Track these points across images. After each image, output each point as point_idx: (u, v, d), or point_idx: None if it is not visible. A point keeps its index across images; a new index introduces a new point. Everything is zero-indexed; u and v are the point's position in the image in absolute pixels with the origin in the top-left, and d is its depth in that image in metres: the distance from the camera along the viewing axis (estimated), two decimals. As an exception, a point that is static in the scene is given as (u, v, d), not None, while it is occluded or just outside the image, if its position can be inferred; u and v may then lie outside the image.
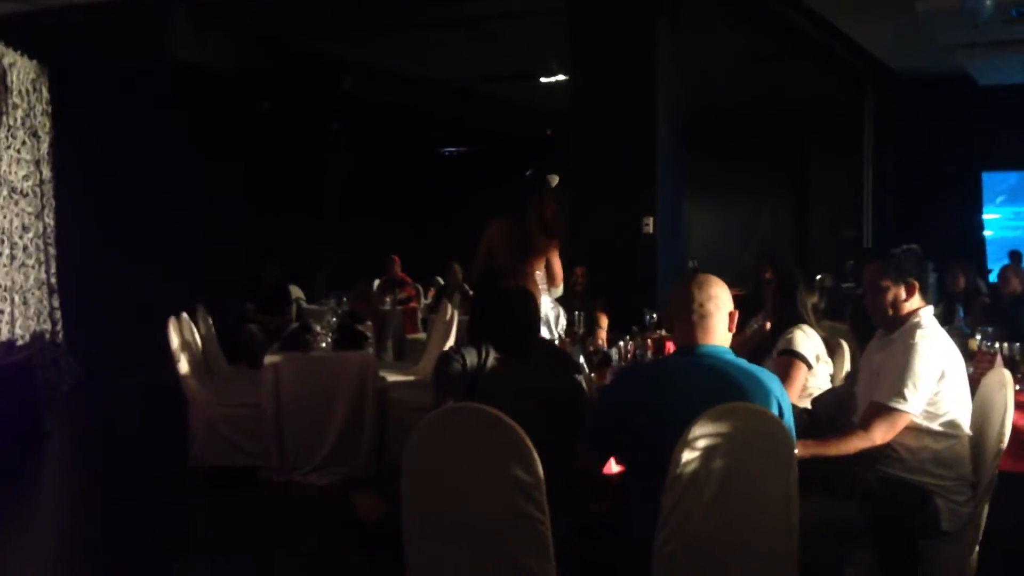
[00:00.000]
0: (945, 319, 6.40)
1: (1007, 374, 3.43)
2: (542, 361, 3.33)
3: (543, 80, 11.38)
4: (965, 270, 8.11)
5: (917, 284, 3.39)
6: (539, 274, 5.77)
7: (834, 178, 14.21)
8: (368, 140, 13.51)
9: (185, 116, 9.52)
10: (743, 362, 2.91)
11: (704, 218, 15.32)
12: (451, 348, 3.45)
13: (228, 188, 10.02)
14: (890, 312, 3.42)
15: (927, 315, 3.40)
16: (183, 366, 5.88)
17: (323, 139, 12.52)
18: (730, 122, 14.60)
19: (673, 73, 8.07)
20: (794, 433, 2.81)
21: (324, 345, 5.90)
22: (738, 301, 8.85)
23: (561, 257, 5.93)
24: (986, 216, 14.99)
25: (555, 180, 6.09)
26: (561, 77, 9.45)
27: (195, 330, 6.42)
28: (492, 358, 3.06)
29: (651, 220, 7.85)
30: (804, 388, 4.26)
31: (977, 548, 3.34)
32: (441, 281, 11.47)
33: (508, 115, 14.89)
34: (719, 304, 2.89)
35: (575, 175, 8.24)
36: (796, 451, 2.81)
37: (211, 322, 7.00)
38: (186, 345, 6.05)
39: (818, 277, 10.53)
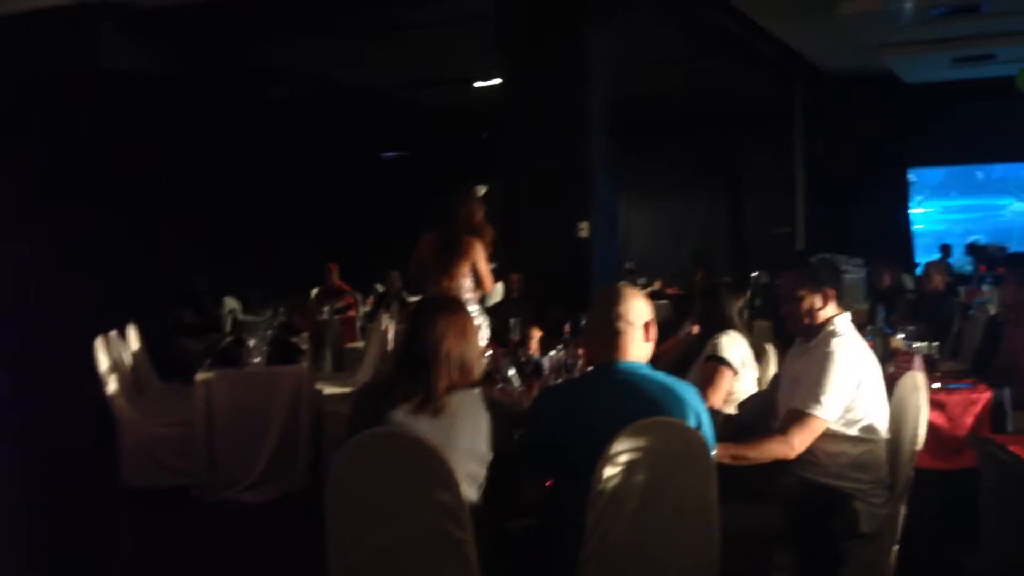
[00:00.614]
0: (872, 318, 6.58)
1: (920, 376, 3.52)
2: (460, 419, 2.79)
3: (477, 85, 11.40)
4: (890, 268, 8.29)
5: (833, 292, 3.47)
6: (467, 282, 5.77)
7: (767, 175, 14.44)
8: (303, 147, 13.41)
9: (113, 125, 9.35)
10: (660, 375, 2.95)
11: (640, 218, 15.46)
12: (371, 383, 3.35)
13: (160, 198, 9.87)
14: (806, 320, 3.50)
15: (843, 322, 3.49)
16: (111, 386, 5.79)
17: (257, 147, 12.40)
18: (664, 121, 14.74)
19: (604, 75, 8.13)
20: (713, 442, 2.87)
21: (257, 360, 5.85)
22: (674, 301, 9.02)
23: (493, 262, 5.95)
24: (916, 211, 15.37)
25: (482, 190, 6.14)
26: (496, 81, 9.48)
27: (126, 347, 6.32)
28: (402, 413, 2.73)
29: (586, 224, 7.90)
30: (730, 393, 4.34)
31: (896, 547, 3.42)
32: (380, 288, 11.43)
33: (446, 119, 14.90)
34: (634, 318, 2.91)
35: (509, 180, 8.27)
36: (715, 452, 2.88)
37: (142, 338, 6.89)
38: (115, 364, 5.96)
39: (754, 274, 10.69)
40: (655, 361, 5.44)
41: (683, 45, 10.43)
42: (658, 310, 10.04)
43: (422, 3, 8.62)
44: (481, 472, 2.76)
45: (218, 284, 9.06)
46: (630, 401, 2.79)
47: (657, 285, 11.99)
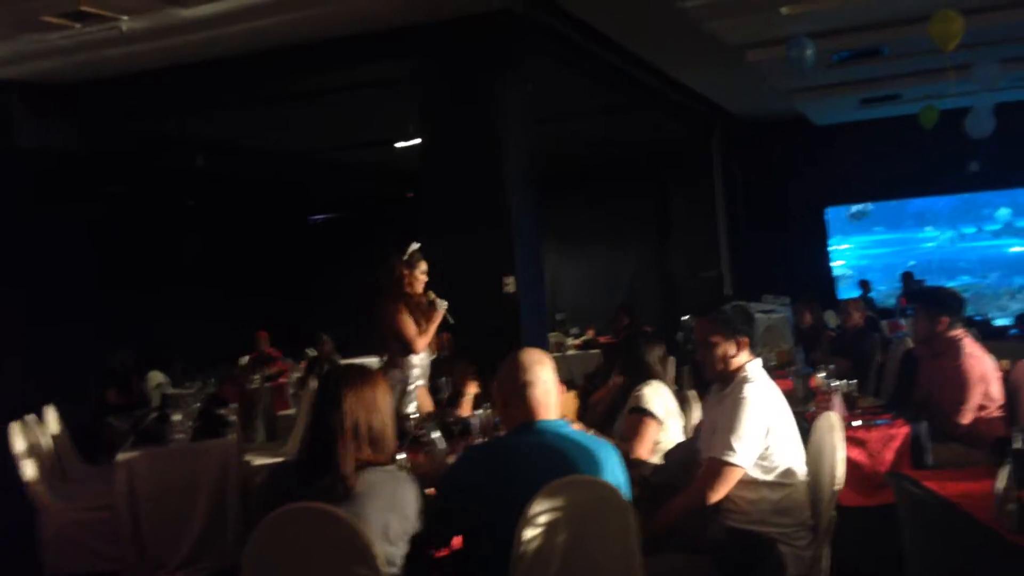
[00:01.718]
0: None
1: (835, 417, 3.60)
2: (372, 499, 2.66)
3: (399, 145, 11.45)
4: (810, 307, 8.46)
5: (743, 339, 3.52)
6: (398, 345, 5.78)
7: (692, 219, 14.67)
8: (228, 215, 13.31)
9: (29, 202, 9.18)
10: (580, 435, 2.97)
11: (570, 268, 15.58)
12: (277, 467, 3.23)
13: (82, 275, 9.68)
14: (720, 366, 3.55)
15: (755, 368, 3.54)
16: (29, 472, 5.60)
17: (179, 217, 12.27)
18: (589, 169, 14.96)
19: (522, 130, 8.22)
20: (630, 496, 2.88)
21: (181, 435, 5.73)
22: (605, 350, 9.03)
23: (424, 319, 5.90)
24: (836, 248, 15.76)
25: (414, 246, 6.16)
26: (416, 141, 9.55)
27: (44, 430, 6.14)
28: (309, 498, 2.60)
29: (512, 279, 7.91)
30: (656, 443, 4.37)
31: (824, 588, 3.46)
32: (312, 353, 11.31)
33: (372, 180, 14.93)
34: (549, 378, 2.95)
35: (432, 238, 8.28)
36: (649, 527, 2.90)
37: (63, 420, 6.70)
38: (32, 448, 5.77)
39: (684, 318, 10.80)
40: (586, 412, 5.49)
41: (599, 97, 10.63)
42: (590, 360, 10.08)
43: (339, 68, 8.66)
44: (398, 553, 2.67)
45: (143, 359, 8.87)
46: (552, 460, 2.79)
47: (589, 334, 12.05)
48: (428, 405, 5.71)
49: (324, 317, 12.84)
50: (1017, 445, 2.67)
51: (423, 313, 5.90)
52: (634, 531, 2.76)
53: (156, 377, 9.43)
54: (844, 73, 10.37)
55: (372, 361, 9.86)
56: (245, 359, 10.59)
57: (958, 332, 4.93)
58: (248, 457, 6.15)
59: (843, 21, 8.26)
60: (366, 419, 2.72)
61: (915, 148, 11.60)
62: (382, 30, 7.85)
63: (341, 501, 2.60)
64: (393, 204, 14.83)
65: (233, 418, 6.56)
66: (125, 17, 6.74)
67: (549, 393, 2.92)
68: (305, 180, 14.13)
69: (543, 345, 8.60)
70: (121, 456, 5.53)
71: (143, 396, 8.57)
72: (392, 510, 2.67)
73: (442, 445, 3.99)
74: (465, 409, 5.23)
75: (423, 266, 6.10)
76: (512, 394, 2.93)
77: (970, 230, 17.86)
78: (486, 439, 4.21)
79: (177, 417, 5.85)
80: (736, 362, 3.53)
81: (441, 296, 7.45)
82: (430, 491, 3.37)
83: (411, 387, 5.71)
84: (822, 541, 3.43)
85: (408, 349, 5.77)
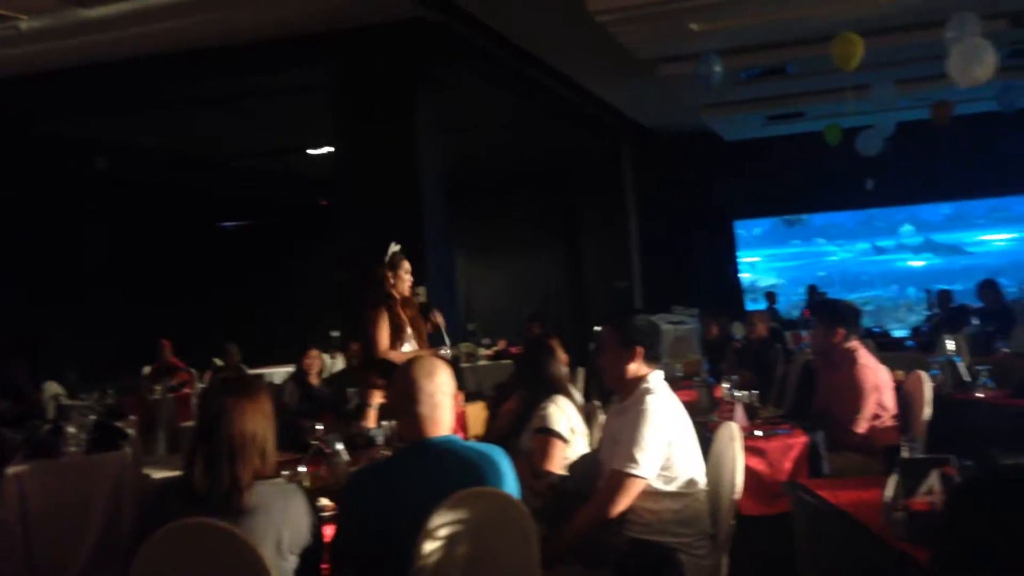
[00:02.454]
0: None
1: (735, 427, 3.65)
2: (262, 514, 2.60)
3: (310, 152, 11.34)
4: (716, 319, 8.61)
5: (642, 350, 3.53)
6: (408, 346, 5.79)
7: (605, 230, 14.84)
8: (132, 220, 12.96)
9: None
10: (473, 445, 2.95)
11: (482, 278, 15.60)
12: (164, 483, 3.12)
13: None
14: (621, 377, 3.57)
15: (656, 379, 3.56)
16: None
17: (79, 222, 11.90)
18: (503, 180, 15.02)
19: (435, 141, 8.21)
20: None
21: (75, 448, 5.52)
22: (517, 361, 8.90)
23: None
24: (745, 260, 16.11)
25: (393, 247, 6.20)
26: (328, 149, 9.46)
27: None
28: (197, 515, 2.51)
29: (423, 289, 7.87)
30: (565, 459, 4.36)
31: (721, 596, 3.50)
32: (219, 363, 11.07)
33: (284, 186, 14.71)
34: (446, 391, 2.88)
35: (344, 247, 8.21)
36: (553, 541, 2.88)
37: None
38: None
39: (597, 328, 10.89)
40: (494, 423, 5.45)
41: (514, 107, 10.68)
42: (503, 370, 10.02)
43: (250, 73, 8.53)
44: (290, 567, 2.62)
45: (39, 369, 8.56)
46: (446, 475, 2.75)
47: (501, 345, 12.05)
48: None
49: (233, 326, 12.60)
50: (905, 454, 2.74)
51: (412, 312, 5.93)
52: (534, 542, 2.75)
53: (52, 388, 9.11)
54: (751, 90, 10.62)
55: (280, 372, 9.72)
56: (147, 369, 10.30)
57: (854, 343, 5.05)
58: (148, 470, 5.96)
59: (750, 39, 8.46)
60: (252, 431, 2.64)
61: (821, 165, 11.94)
62: (295, 35, 7.77)
63: (232, 516, 2.53)
64: (306, 212, 14.66)
65: (131, 430, 6.35)
66: (24, 16, 6.53)
67: (440, 407, 2.85)
68: (214, 185, 13.85)
69: (454, 357, 8.57)
70: (11, 469, 5.30)
71: (38, 407, 8.26)
72: (284, 524, 2.61)
73: (345, 457, 3.93)
74: (370, 420, 5.16)
75: (406, 265, 6.08)
76: (403, 409, 2.87)
77: (874, 244, 18.44)
78: (389, 452, 4.16)
79: (71, 429, 5.64)
80: (638, 373, 3.55)
81: (352, 306, 7.38)
82: (329, 503, 3.33)
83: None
84: (721, 550, 3.47)
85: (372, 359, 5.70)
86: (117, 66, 8.16)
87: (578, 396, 4.78)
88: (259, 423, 2.66)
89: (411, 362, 2.95)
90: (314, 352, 8.37)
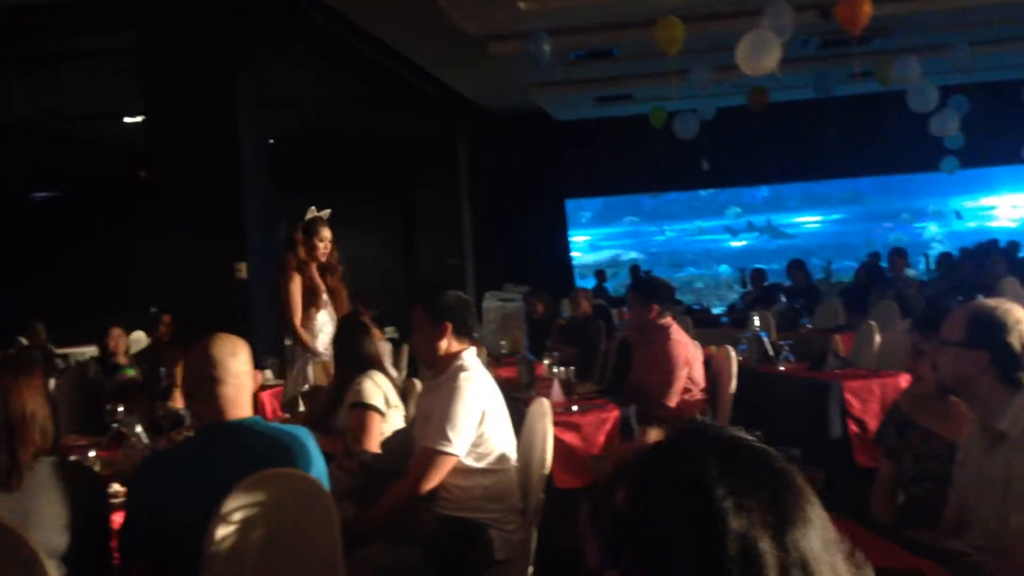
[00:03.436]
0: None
1: (546, 403, 3.69)
2: (43, 489, 2.52)
3: (127, 120, 10.76)
4: (541, 298, 8.72)
5: (451, 326, 3.51)
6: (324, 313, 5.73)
7: (438, 208, 14.78)
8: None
9: None
10: (276, 426, 2.86)
11: (315, 255, 15.28)
12: None
13: None
14: (433, 353, 3.54)
15: (470, 356, 3.55)
16: None
17: None
18: (336, 156, 14.74)
19: (257, 113, 7.94)
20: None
21: None
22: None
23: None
24: (574, 239, 16.43)
25: (313, 212, 6.05)
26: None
27: None
28: None
29: (243, 265, 7.64)
30: (381, 434, 4.31)
31: (531, 569, 3.54)
32: (25, 342, 10.42)
33: (101, 156, 13.93)
34: (247, 370, 2.77)
35: (161, 220, 7.87)
36: (361, 525, 2.83)
37: None
38: None
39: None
40: (311, 402, 5.34)
41: (343, 83, 10.45)
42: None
43: (54, 34, 7.99)
44: (66, 544, 2.49)
45: None
46: (247, 458, 2.64)
47: (331, 322, 11.84)
48: (323, 379, 5.51)
49: (41, 303, 11.88)
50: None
51: (333, 280, 5.88)
52: (336, 522, 2.69)
53: None
54: (580, 71, 10.78)
55: (91, 351, 9.22)
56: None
57: (667, 320, 5.21)
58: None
59: (578, 20, 8.56)
60: (31, 409, 2.52)
61: (648, 146, 12.25)
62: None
63: (12, 495, 2.43)
64: (124, 184, 13.94)
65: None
66: None
67: (241, 388, 2.73)
68: (24, 154, 12.96)
69: (278, 335, 8.36)
70: None
71: None
72: (65, 503, 2.50)
73: (145, 441, 3.74)
74: (179, 400, 4.95)
75: (324, 233, 5.92)
76: (199, 390, 2.73)
77: (699, 225, 19.19)
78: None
79: None
80: (450, 349, 3.53)
81: (168, 280, 7.07)
82: (122, 489, 3.16)
83: (309, 365, 5.61)
84: (531, 524, 3.50)
85: (288, 324, 5.65)
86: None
87: (393, 372, 4.74)
88: (37, 400, 2.56)
89: (211, 340, 2.79)
90: (116, 331, 7.98)
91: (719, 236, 19.16)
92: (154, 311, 9.88)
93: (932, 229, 18.03)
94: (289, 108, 10.78)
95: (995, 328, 2.44)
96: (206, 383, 2.70)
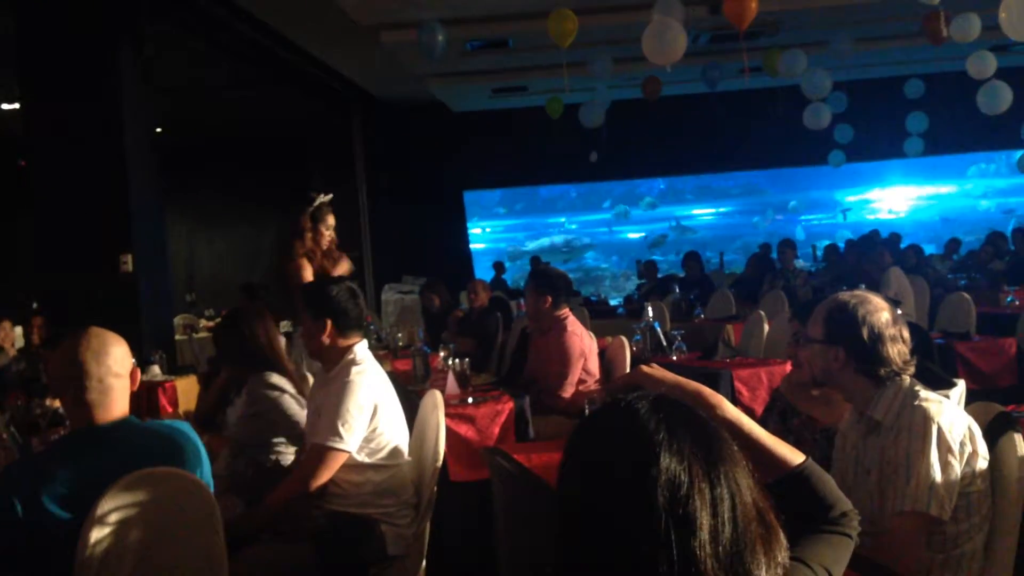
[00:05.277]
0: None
1: (438, 395, 3.65)
2: None
3: (5, 107, 10.29)
4: (438, 289, 8.66)
5: (330, 322, 3.44)
6: None
7: (335, 200, 14.56)
8: None
9: None
10: (153, 425, 2.76)
11: (206, 246, 14.94)
12: None
13: None
14: (319, 348, 3.47)
15: (362, 350, 3.49)
16: None
17: None
18: (229, 144, 14.40)
19: (142, 100, 7.68)
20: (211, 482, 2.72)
21: None
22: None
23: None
24: (473, 231, 16.42)
25: (321, 198, 5.88)
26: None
27: None
28: None
29: (129, 257, 7.39)
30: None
31: (424, 564, 3.51)
32: None
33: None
34: (119, 371, 2.60)
35: (42, 211, 7.57)
36: (248, 523, 2.75)
37: None
38: None
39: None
40: (204, 398, 5.17)
41: (234, 69, 10.20)
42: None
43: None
44: None
45: None
46: (120, 461, 2.51)
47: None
48: None
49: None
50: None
51: (332, 265, 5.70)
52: (219, 521, 2.61)
53: None
54: (476, 62, 10.75)
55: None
56: None
57: (564, 311, 5.22)
58: None
59: (472, 10, 8.52)
60: None
61: (544, 138, 12.31)
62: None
63: None
64: (4, 173, 13.34)
65: None
66: None
67: (108, 391, 2.56)
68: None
69: (167, 329, 8.14)
70: None
71: None
72: None
73: (16, 441, 3.57)
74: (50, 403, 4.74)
75: (330, 220, 5.80)
76: (63, 393, 2.59)
77: (599, 216, 19.37)
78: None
79: None
80: (338, 344, 3.46)
81: (51, 274, 6.78)
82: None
83: None
84: (423, 518, 3.47)
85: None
86: None
87: (291, 365, 4.62)
88: None
89: (76, 340, 2.60)
90: (7, 324, 7.69)
91: (619, 227, 19.38)
92: (36, 306, 9.52)
93: (822, 221, 18.60)
94: (176, 95, 10.47)
95: (847, 323, 2.50)
96: (69, 386, 2.56)
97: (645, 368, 1.93)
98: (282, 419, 3.90)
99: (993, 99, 8.46)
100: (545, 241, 18.95)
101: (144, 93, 7.70)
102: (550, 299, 5.18)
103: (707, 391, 1.82)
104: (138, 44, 7.55)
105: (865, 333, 2.46)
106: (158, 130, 10.52)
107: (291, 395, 3.97)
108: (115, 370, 2.58)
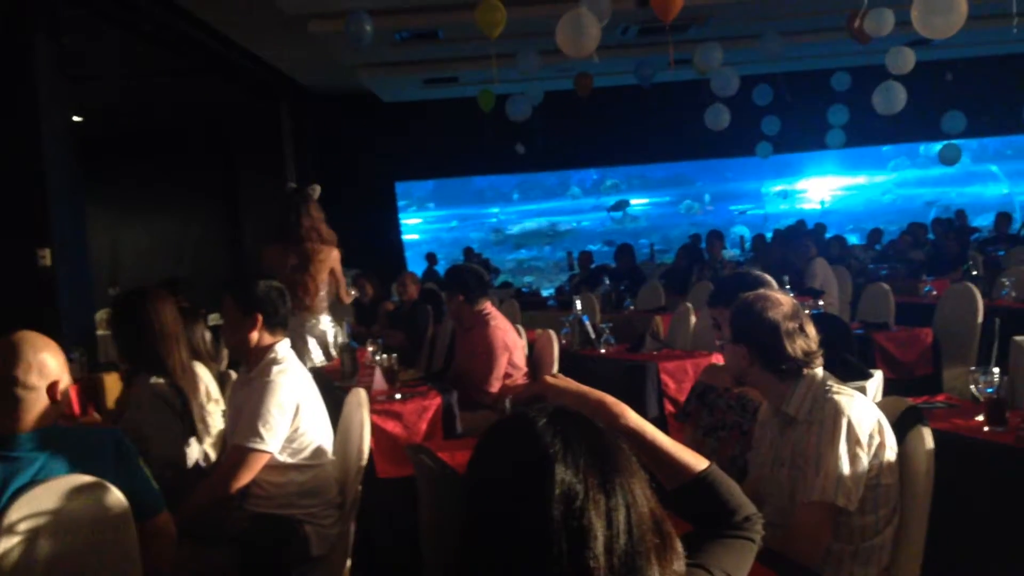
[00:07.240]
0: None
1: (363, 393, 3.62)
2: None
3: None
4: (370, 281, 8.60)
5: (261, 317, 3.39)
6: (323, 294, 5.97)
7: (263, 190, 14.32)
8: None
9: None
10: (73, 431, 2.70)
11: (131, 238, 14.61)
12: None
13: None
14: (243, 345, 3.42)
15: (283, 348, 3.44)
16: None
17: None
18: (152, 134, 14.07)
19: (58, 89, 7.44)
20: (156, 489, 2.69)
21: None
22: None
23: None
24: (406, 221, 16.33)
25: (317, 191, 6.21)
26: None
27: None
28: None
29: (47, 251, 7.18)
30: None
31: (349, 563, 3.49)
32: None
33: None
34: (39, 379, 2.52)
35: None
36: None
37: None
38: None
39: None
40: (126, 396, 5.05)
41: (155, 57, 9.95)
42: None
43: None
44: None
45: None
46: (33, 471, 2.46)
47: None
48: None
49: None
50: (507, 407, 2.84)
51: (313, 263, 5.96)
52: (131, 528, 2.55)
53: None
54: (406, 52, 10.66)
55: None
56: None
57: (484, 306, 5.19)
58: None
59: (400, 0, 8.44)
60: None
61: (476, 129, 12.25)
62: None
63: None
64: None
65: None
66: None
67: (22, 402, 2.48)
68: None
69: (87, 325, 7.94)
70: None
71: None
72: None
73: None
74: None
75: (319, 213, 6.15)
76: None
77: (534, 207, 19.38)
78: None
79: None
80: (262, 342, 3.41)
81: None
82: None
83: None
84: (348, 517, 3.45)
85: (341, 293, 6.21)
86: None
87: (189, 365, 4.52)
88: None
89: (3, 339, 2.56)
90: None
91: (554, 218, 19.41)
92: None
93: (750, 212, 18.86)
94: (97, 83, 10.20)
95: (749, 322, 2.55)
96: None
97: (549, 378, 1.92)
98: (156, 435, 3.32)
99: (888, 99, 8.56)
100: (480, 232, 18.91)
101: (61, 80, 7.47)
102: (461, 297, 5.17)
103: (610, 400, 1.81)
104: (55, 29, 7.32)
105: (765, 330, 2.51)
106: (77, 119, 10.29)
107: (175, 407, 3.41)
108: (32, 379, 2.50)
